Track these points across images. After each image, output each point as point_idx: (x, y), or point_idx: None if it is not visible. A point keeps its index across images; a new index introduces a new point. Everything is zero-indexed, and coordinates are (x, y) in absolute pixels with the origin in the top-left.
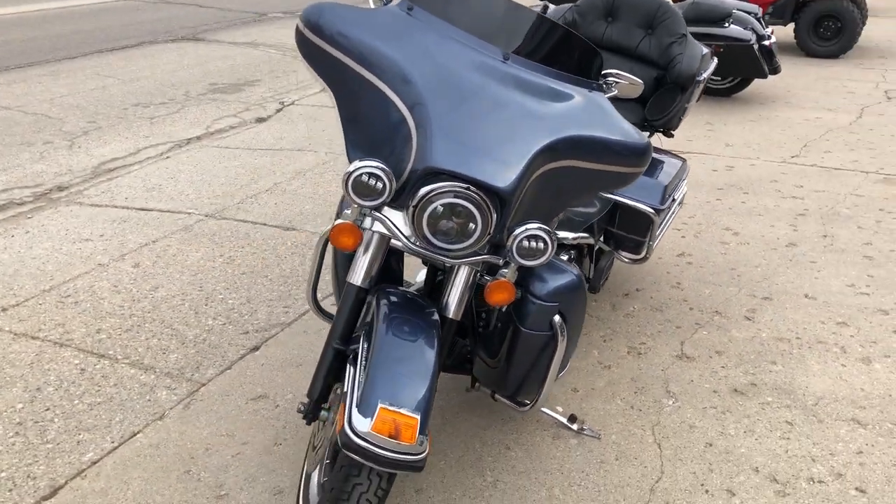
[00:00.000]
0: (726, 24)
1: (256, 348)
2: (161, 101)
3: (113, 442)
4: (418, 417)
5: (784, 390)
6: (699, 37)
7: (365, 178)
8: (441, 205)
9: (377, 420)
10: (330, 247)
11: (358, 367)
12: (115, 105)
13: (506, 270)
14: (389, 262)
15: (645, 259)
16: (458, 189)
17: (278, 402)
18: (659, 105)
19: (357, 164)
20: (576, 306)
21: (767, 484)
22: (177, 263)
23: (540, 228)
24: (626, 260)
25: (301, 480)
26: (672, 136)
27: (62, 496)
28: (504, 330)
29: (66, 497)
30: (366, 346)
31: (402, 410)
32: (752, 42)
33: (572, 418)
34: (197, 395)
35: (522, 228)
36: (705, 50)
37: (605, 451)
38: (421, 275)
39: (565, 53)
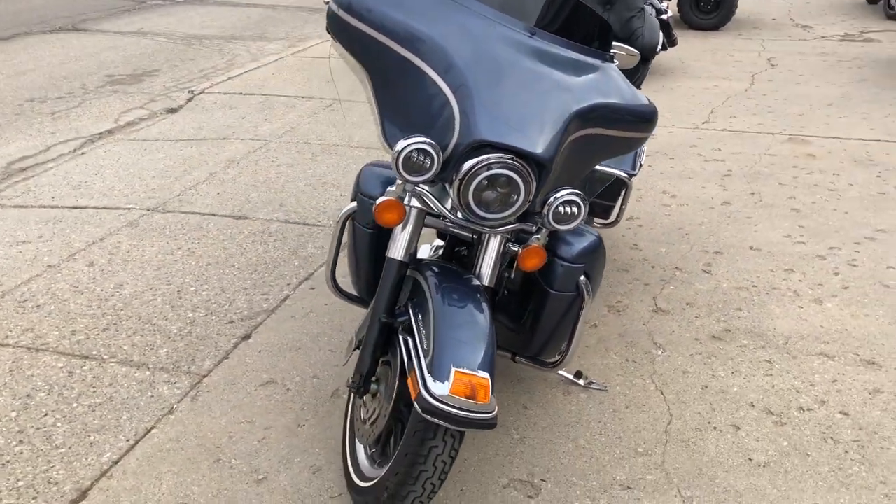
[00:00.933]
0: None
1: (248, 336)
2: (58, 95)
3: (128, 440)
4: (489, 377)
5: (755, 333)
6: None
7: (415, 155)
8: (486, 176)
9: (454, 383)
10: (348, 227)
11: (417, 336)
12: (7, 101)
13: (538, 236)
14: None
15: (616, 223)
16: (504, 160)
17: (288, 386)
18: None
19: (405, 141)
20: (598, 266)
21: (765, 416)
22: (134, 259)
23: (574, 194)
24: (598, 225)
25: (346, 455)
26: None
27: (93, 498)
28: (527, 294)
29: (98, 498)
30: (419, 316)
31: (474, 372)
32: (653, 16)
33: (578, 374)
34: (201, 387)
35: (558, 195)
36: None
37: (615, 402)
38: (423, 250)
39: (581, 26)
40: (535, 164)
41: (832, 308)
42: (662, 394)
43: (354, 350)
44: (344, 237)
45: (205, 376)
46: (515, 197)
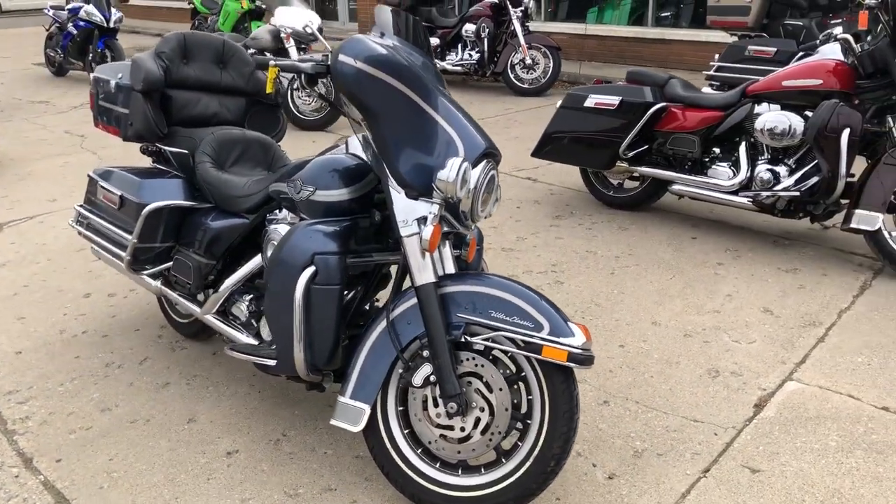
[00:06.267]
0: None
1: None
2: None
3: None
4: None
5: None
6: None
7: (465, 174)
8: (489, 180)
9: (581, 332)
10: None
11: (509, 325)
12: None
13: (474, 228)
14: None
15: None
16: (492, 165)
17: None
18: (261, 122)
19: (454, 167)
20: None
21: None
22: None
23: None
24: None
25: (428, 490)
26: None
27: None
28: None
29: None
30: (490, 311)
31: (574, 319)
32: None
33: None
34: None
35: None
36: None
37: None
38: None
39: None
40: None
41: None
42: None
43: (371, 409)
44: None
45: None
46: (496, 193)
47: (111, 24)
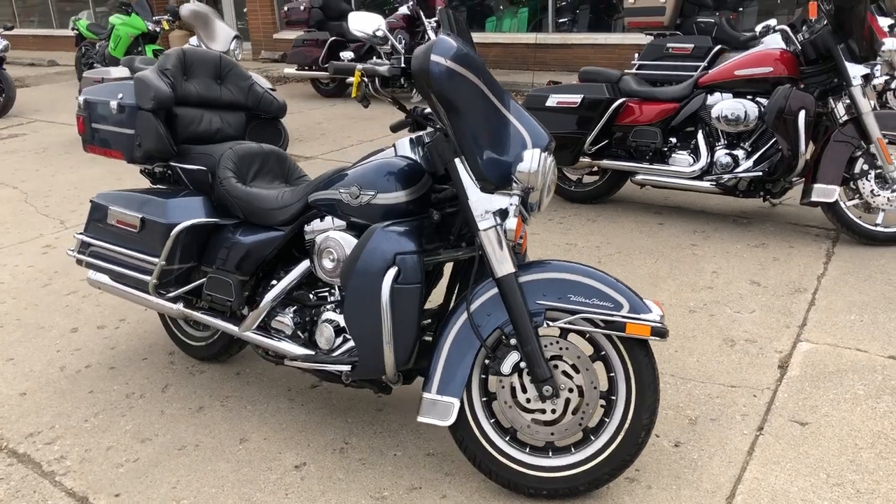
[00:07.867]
0: None
1: None
2: None
3: None
4: None
5: None
6: None
7: (542, 165)
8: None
9: (657, 306)
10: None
11: (590, 308)
12: None
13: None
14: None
15: None
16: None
17: None
18: (261, 135)
19: (536, 159)
20: None
21: None
22: None
23: None
24: None
25: (522, 471)
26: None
27: None
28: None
29: None
30: (569, 296)
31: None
32: None
33: None
34: None
35: None
36: None
37: None
38: None
39: None
40: None
41: None
42: None
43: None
44: None
45: None
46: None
47: None
